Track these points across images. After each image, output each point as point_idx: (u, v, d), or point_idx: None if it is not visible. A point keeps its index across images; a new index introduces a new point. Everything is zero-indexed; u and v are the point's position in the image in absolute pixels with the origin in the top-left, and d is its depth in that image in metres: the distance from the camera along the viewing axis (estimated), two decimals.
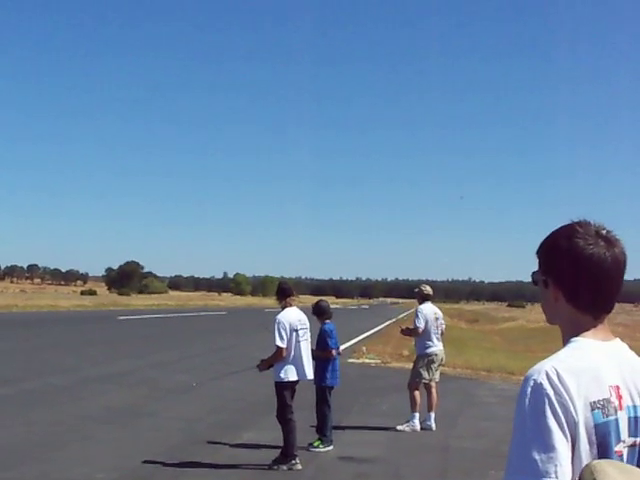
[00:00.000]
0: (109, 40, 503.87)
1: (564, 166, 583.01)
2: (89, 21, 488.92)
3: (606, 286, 2.28)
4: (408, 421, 12.55)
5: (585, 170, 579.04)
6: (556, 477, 2.04)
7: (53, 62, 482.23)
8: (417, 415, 12.59)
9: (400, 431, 12.37)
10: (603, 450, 2.13)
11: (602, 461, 2.05)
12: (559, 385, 2.13)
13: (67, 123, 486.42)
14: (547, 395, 2.12)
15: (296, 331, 10.00)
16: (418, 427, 12.51)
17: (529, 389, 2.16)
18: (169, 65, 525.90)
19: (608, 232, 2.32)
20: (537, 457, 2.07)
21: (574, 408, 2.11)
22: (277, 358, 9.87)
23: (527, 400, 2.15)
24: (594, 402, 2.14)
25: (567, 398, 2.11)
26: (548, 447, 2.07)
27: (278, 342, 9.84)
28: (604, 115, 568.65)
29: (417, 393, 12.70)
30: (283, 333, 9.88)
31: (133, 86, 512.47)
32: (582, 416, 2.11)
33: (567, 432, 2.10)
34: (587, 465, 2.00)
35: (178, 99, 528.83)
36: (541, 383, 2.14)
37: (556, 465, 2.05)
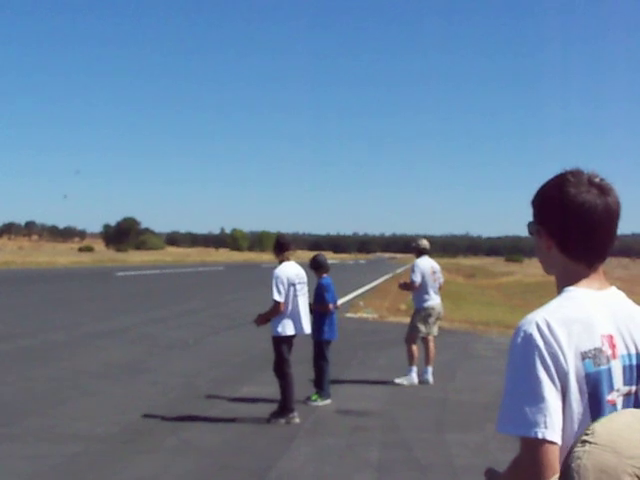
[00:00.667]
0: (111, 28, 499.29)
1: (563, 119, 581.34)
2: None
3: (598, 234, 2.27)
4: (406, 375, 12.61)
5: (585, 123, 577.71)
6: (545, 427, 2.06)
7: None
8: (415, 369, 12.65)
9: (398, 384, 12.43)
10: (594, 399, 2.14)
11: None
12: (549, 335, 2.14)
13: (65, 78, 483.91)
14: (537, 346, 2.13)
15: (294, 285, 10.01)
16: (416, 380, 12.57)
17: (519, 340, 2.17)
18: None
19: (602, 180, 2.31)
20: (527, 408, 2.09)
21: (564, 358, 2.12)
22: (275, 312, 9.88)
23: (517, 351, 2.17)
24: (585, 352, 2.14)
25: (557, 348, 2.12)
26: (538, 398, 2.09)
27: (276, 296, 9.83)
28: (601, 68, 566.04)
29: (414, 347, 12.74)
30: (281, 287, 9.88)
31: (140, 43, 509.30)
32: (572, 366, 2.12)
33: (557, 382, 2.11)
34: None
35: (174, 54, 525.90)
36: (531, 334, 2.15)
37: (545, 415, 2.07)
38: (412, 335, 12.84)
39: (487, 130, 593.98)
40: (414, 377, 12.59)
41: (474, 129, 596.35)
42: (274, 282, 9.89)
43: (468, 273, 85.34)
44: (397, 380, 12.53)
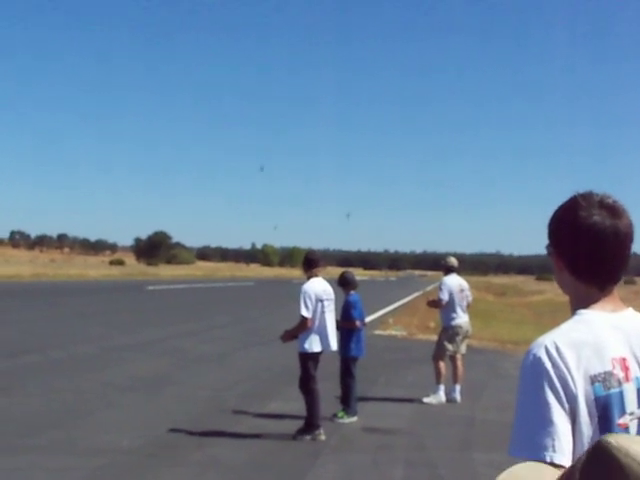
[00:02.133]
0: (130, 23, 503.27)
1: (594, 141, 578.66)
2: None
3: (608, 257, 2.25)
4: (433, 393, 12.54)
5: (616, 146, 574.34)
6: (554, 451, 2.04)
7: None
8: (442, 387, 12.57)
9: (426, 403, 12.36)
10: (605, 423, 2.11)
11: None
12: (558, 359, 2.12)
13: (97, 95, 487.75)
14: (545, 369, 2.11)
15: (321, 302, 9.99)
16: (444, 399, 12.50)
17: (529, 363, 2.17)
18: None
19: (614, 202, 2.28)
20: (536, 431, 2.08)
21: (573, 381, 2.10)
22: (302, 328, 9.86)
23: (527, 374, 2.16)
24: (594, 375, 2.12)
25: (565, 372, 2.10)
26: (546, 421, 2.07)
27: (303, 312, 9.82)
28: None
29: (442, 365, 12.67)
30: (309, 303, 9.86)
31: (163, 61, 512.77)
32: (581, 389, 2.10)
33: (566, 406, 2.09)
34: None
35: (200, 69, 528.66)
36: (540, 357, 2.14)
37: (554, 439, 2.05)
38: (439, 353, 12.78)
39: (519, 147, 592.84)
40: (442, 395, 12.52)
41: (507, 146, 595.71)
42: (302, 298, 9.88)
43: (498, 291, 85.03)
44: (425, 399, 12.46)
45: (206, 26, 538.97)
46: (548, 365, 2.11)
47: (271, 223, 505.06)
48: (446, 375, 12.72)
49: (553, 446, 2.04)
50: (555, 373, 2.10)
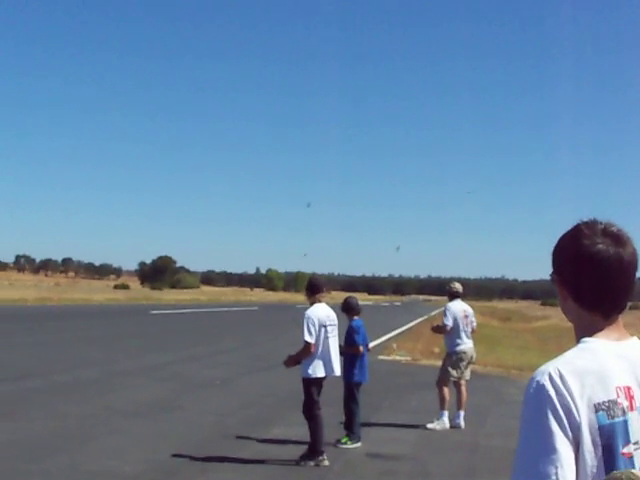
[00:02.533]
0: (116, 37, 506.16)
1: (600, 164, 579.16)
2: (88, 17, 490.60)
3: (611, 285, 2.24)
4: (437, 419, 12.51)
5: (620, 169, 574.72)
6: (556, 479, 2.03)
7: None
8: (446, 413, 12.54)
9: (430, 429, 12.33)
10: (608, 452, 2.10)
11: (634, 471, 2.03)
12: (561, 387, 2.11)
13: (102, 119, 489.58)
14: (549, 397, 2.11)
15: (325, 327, 9.98)
16: (447, 425, 12.46)
17: (532, 390, 2.16)
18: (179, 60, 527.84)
19: (618, 230, 2.29)
20: (538, 459, 2.06)
21: (576, 410, 2.09)
22: (305, 354, 9.85)
23: (530, 402, 2.16)
24: (598, 404, 2.12)
25: (569, 400, 2.10)
26: (549, 449, 2.06)
27: (307, 337, 9.82)
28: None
29: (446, 390, 12.64)
30: (312, 329, 9.86)
31: (159, 82, 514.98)
32: (585, 418, 2.09)
33: (569, 434, 2.08)
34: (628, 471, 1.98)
35: (202, 95, 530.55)
36: (543, 385, 2.13)
37: (557, 467, 2.04)
38: (443, 379, 12.75)
39: (524, 172, 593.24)
40: (446, 421, 12.48)
41: (511, 171, 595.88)
42: (305, 323, 9.88)
43: (503, 316, 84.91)
44: (429, 425, 12.42)
45: (207, 52, 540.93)
46: (552, 393, 2.10)
47: (275, 248, 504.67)
48: (450, 401, 12.69)
49: (556, 474, 2.03)
50: (559, 401, 2.09)
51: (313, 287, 10.38)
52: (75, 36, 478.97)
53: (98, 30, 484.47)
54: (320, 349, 9.89)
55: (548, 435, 2.07)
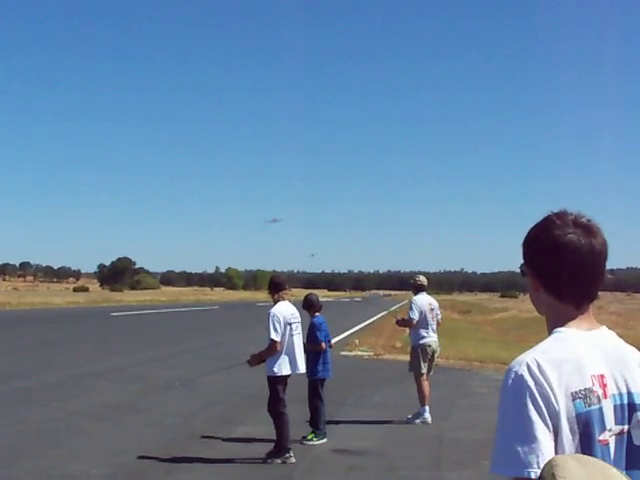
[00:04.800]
0: (101, 40, 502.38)
1: (556, 158, 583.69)
2: (83, 19, 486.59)
3: (583, 275, 2.29)
4: (419, 415, 12.47)
5: (581, 159, 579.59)
6: (538, 468, 2.06)
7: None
8: (427, 408, 12.49)
9: (410, 423, 12.28)
10: (586, 439, 2.15)
11: (563, 455, 2.07)
12: (540, 376, 2.16)
13: (59, 121, 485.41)
14: (528, 386, 2.15)
15: (290, 325, 10.00)
16: (430, 419, 12.42)
17: (510, 381, 2.20)
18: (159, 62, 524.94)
19: (588, 221, 2.34)
20: (519, 448, 2.10)
21: (555, 399, 2.14)
22: (271, 352, 9.86)
23: (508, 392, 2.19)
24: (575, 392, 2.16)
25: (548, 389, 2.14)
26: (530, 438, 2.10)
27: (273, 335, 9.82)
28: (595, 107, 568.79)
29: (425, 385, 12.58)
30: (277, 326, 9.86)
31: (126, 84, 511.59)
32: (563, 406, 2.14)
33: (549, 423, 2.12)
34: (549, 460, 2.01)
35: (166, 96, 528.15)
36: (522, 375, 2.17)
37: (538, 456, 2.08)
38: (418, 374, 12.66)
39: (483, 166, 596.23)
40: (427, 417, 12.41)
41: (468, 165, 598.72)
42: (271, 321, 9.88)
43: (463, 309, 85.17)
44: (417, 421, 12.33)
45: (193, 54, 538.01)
46: (530, 382, 2.14)
47: (234, 247, 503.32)
48: (430, 396, 12.64)
49: (538, 463, 2.07)
50: (538, 390, 2.13)
51: (276, 285, 10.39)
52: (73, 39, 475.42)
53: (93, 34, 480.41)
54: (285, 347, 9.91)
55: (528, 424, 2.11)
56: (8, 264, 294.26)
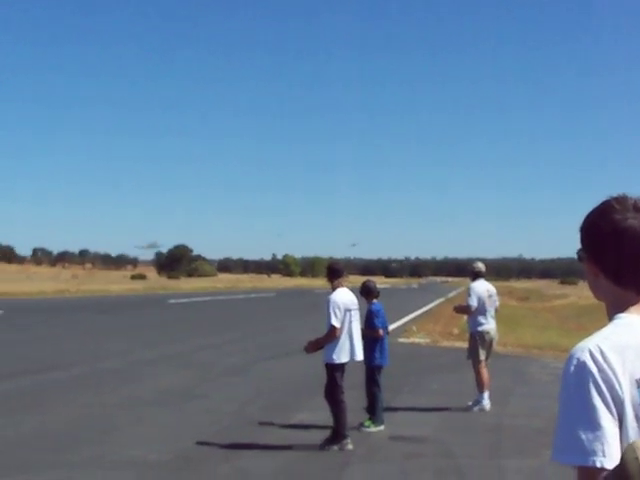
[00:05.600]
0: (111, 29, 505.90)
1: (615, 144, 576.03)
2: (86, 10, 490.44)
3: None
4: (478, 401, 12.40)
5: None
6: (603, 456, 1.99)
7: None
8: (486, 395, 12.42)
9: (469, 411, 12.22)
10: None
11: None
12: (603, 363, 2.08)
13: (116, 115, 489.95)
14: (591, 373, 2.07)
15: (349, 311, 9.96)
16: (488, 407, 12.34)
17: (572, 368, 2.12)
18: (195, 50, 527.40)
19: None
20: (583, 436, 2.02)
21: (619, 385, 2.06)
22: (330, 338, 9.82)
23: (571, 379, 2.11)
24: (639, 379, 2.08)
25: (612, 376, 2.07)
26: (594, 425, 2.03)
27: (333, 322, 9.77)
28: None
29: (484, 372, 12.50)
30: (338, 313, 9.82)
31: (167, 73, 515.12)
32: (628, 393, 2.06)
33: (613, 410, 2.05)
34: (630, 443, 1.94)
35: (223, 86, 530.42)
36: (584, 361, 2.09)
37: (603, 444, 2.01)
38: (477, 360, 12.59)
39: (539, 151, 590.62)
40: (485, 404, 12.33)
41: (526, 151, 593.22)
42: (331, 307, 9.84)
43: (521, 296, 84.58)
44: (475, 408, 12.28)
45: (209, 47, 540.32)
46: (594, 369, 2.07)
47: (291, 233, 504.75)
48: (490, 383, 12.56)
49: (603, 451, 2.00)
50: (601, 377, 2.06)
51: (334, 272, 10.35)
52: (68, 30, 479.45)
53: (89, 24, 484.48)
54: (344, 333, 9.87)
55: (592, 412, 2.04)
56: (67, 252, 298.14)
